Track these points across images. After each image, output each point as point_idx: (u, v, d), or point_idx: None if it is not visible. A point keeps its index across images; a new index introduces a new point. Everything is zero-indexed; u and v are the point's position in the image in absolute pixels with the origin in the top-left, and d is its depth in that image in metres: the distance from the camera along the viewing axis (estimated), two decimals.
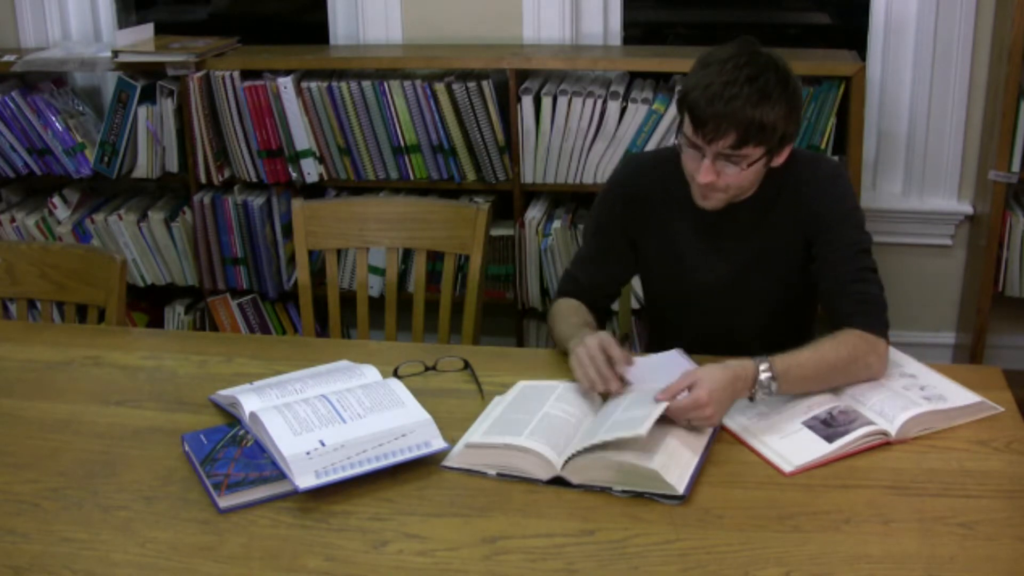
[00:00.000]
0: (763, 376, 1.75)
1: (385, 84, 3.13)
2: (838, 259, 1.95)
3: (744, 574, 1.44)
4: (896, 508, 1.57)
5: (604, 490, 1.61)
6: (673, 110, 3.01)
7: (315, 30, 3.59)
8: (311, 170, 3.28)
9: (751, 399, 1.77)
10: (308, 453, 1.63)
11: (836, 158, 3.10)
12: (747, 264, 2.06)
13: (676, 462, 1.63)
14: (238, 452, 1.70)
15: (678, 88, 1.92)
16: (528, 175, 3.18)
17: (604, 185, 2.20)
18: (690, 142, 1.90)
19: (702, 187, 1.92)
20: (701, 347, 2.02)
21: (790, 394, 1.80)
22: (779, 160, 1.94)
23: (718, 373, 1.72)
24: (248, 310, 3.50)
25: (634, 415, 1.67)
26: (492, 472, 1.67)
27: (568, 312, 2.10)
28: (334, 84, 3.16)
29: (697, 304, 2.12)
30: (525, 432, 1.68)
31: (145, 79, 3.27)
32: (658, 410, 1.66)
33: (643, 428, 1.60)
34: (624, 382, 1.81)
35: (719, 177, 1.89)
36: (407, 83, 3.12)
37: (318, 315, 2.76)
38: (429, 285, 2.61)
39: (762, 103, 1.82)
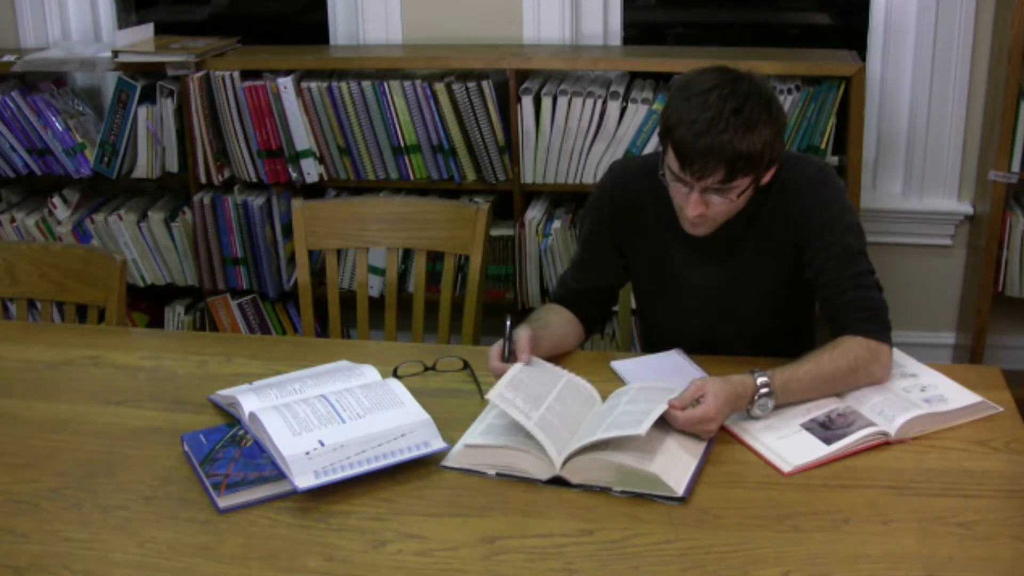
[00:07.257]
0: (761, 392, 1.75)
1: (385, 84, 3.13)
2: (833, 267, 1.92)
3: (743, 574, 1.44)
4: (895, 508, 1.57)
5: (603, 490, 1.61)
6: None
7: (315, 30, 3.59)
8: (311, 170, 3.28)
9: (748, 413, 1.77)
10: (307, 453, 1.63)
11: (836, 159, 3.10)
12: (737, 269, 2.05)
13: (675, 464, 1.63)
14: (237, 452, 1.70)
15: (661, 119, 1.88)
16: (528, 175, 3.18)
17: (592, 192, 2.18)
18: (677, 176, 1.86)
19: (691, 218, 1.90)
20: (696, 352, 2.02)
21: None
22: (765, 180, 1.91)
23: (724, 387, 1.72)
24: (248, 310, 3.49)
25: (635, 410, 1.68)
26: (491, 472, 1.67)
27: (537, 314, 2.12)
28: (334, 84, 3.16)
29: (689, 309, 2.11)
30: (535, 417, 1.67)
31: (145, 79, 3.27)
32: (659, 409, 1.66)
33: (642, 428, 1.61)
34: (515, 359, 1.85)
35: (708, 208, 1.87)
36: (407, 83, 3.12)
37: (318, 315, 2.76)
38: (429, 285, 2.61)
39: (748, 134, 1.79)
